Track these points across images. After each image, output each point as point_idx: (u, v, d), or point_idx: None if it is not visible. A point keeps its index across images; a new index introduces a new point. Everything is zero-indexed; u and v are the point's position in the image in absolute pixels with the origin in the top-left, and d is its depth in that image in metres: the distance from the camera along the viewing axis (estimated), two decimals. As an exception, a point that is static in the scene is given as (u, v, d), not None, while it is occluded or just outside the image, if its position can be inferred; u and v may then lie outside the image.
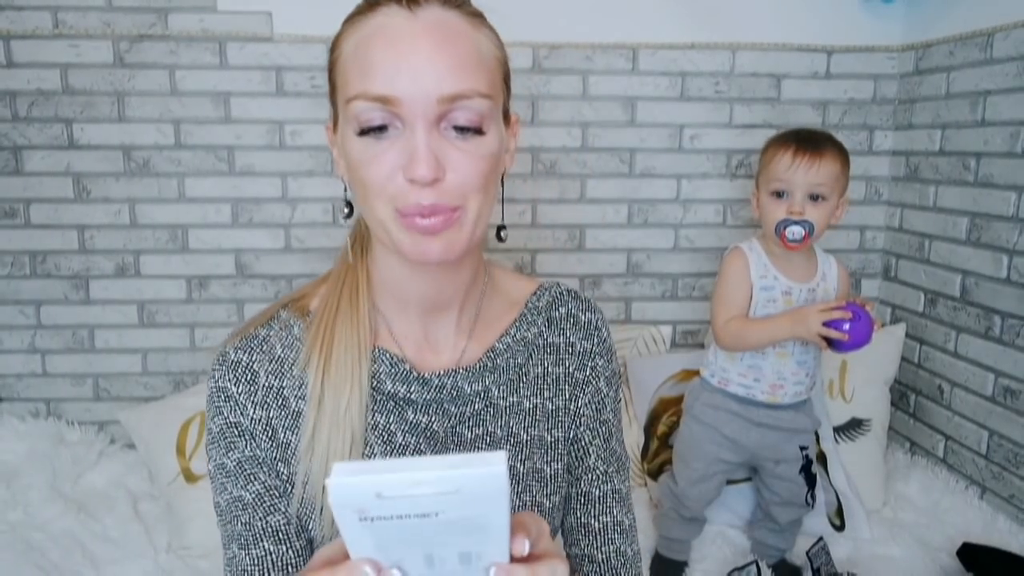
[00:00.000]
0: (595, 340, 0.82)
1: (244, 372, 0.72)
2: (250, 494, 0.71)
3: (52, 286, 1.90)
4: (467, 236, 0.66)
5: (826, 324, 1.36)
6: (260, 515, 0.71)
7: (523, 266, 2.00)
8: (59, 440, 1.85)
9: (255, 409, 0.72)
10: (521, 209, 1.96)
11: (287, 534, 0.71)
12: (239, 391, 0.72)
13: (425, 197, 0.62)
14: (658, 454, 1.78)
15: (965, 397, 1.76)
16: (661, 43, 1.91)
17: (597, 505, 0.80)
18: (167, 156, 1.86)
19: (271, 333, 0.74)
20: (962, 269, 1.77)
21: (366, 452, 0.72)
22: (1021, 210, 1.59)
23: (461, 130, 0.63)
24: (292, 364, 0.72)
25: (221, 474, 0.73)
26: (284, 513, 0.72)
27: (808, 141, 1.42)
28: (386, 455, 0.72)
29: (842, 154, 1.43)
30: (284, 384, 0.72)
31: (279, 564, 0.71)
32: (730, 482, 1.63)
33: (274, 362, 0.73)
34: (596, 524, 0.80)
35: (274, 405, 0.72)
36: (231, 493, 0.72)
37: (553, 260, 2.01)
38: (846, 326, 1.34)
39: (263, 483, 0.72)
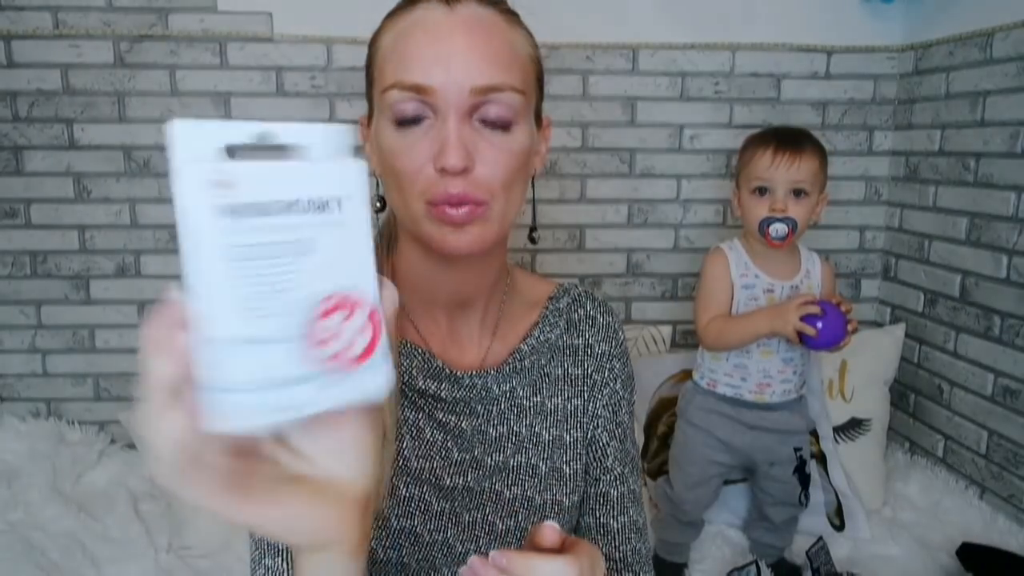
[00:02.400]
0: (613, 343, 0.84)
1: None
2: None
3: (53, 286, 1.90)
4: (495, 231, 0.68)
5: (803, 319, 1.37)
6: None
7: (523, 267, 2.00)
8: (60, 440, 1.85)
9: None
10: (521, 209, 1.96)
11: None
12: None
13: (454, 186, 0.63)
14: (658, 454, 1.79)
15: (965, 397, 1.76)
16: (661, 43, 1.92)
17: (616, 506, 0.81)
18: (167, 156, 1.86)
19: None
20: (962, 269, 1.77)
21: (397, 446, 0.73)
22: (1020, 210, 1.59)
23: (492, 125, 0.64)
24: None
25: None
26: None
27: (787, 138, 1.43)
28: (416, 450, 0.73)
29: (820, 150, 1.45)
30: None
31: None
32: (728, 482, 1.64)
33: None
34: (615, 524, 0.81)
35: None
36: None
37: (553, 260, 2.01)
38: (819, 324, 1.35)
39: None
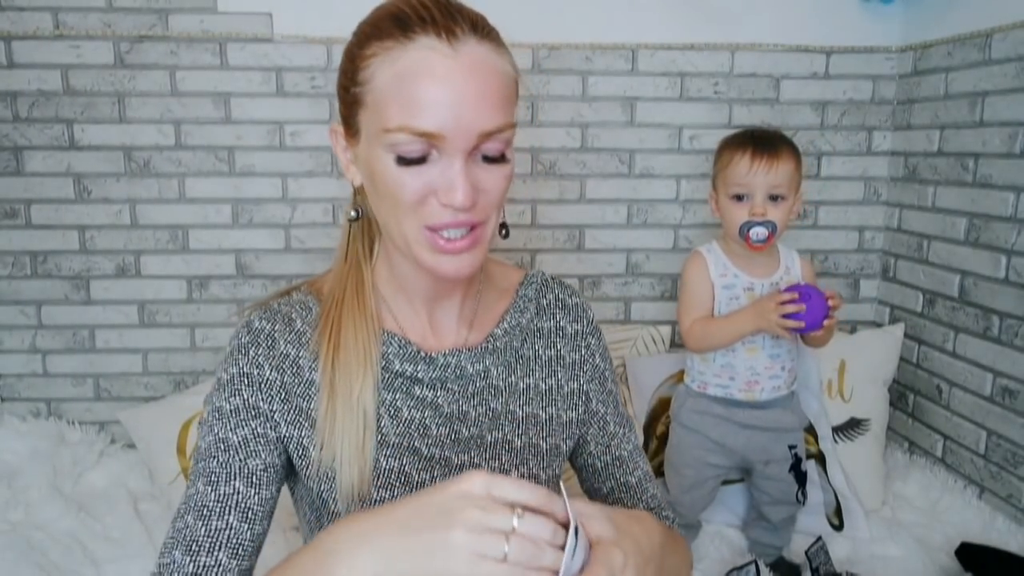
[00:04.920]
0: (584, 321, 0.89)
1: (266, 338, 0.77)
2: (237, 437, 0.75)
3: (53, 286, 1.91)
4: (483, 251, 0.73)
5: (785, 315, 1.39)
6: (241, 457, 0.74)
7: (523, 267, 2.01)
8: (60, 440, 1.85)
9: (271, 371, 0.76)
10: (521, 209, 1.97)
11: (260, 479, 0.75)
12: (258, 352, 0.77)
13: (458, 216, 0.68)
14: (657, 454, 1.79)
15: (963, 397, 1.77)
16: (660, 43, 1.92)
17: (628, 463, 0.89)
18: (167, 156, 1.87)
19: (292, 309, 0.80)
20: (961, 269, 1.77)
21: (376, 426, 0.78)
22: (1019, 210, 1.60)
23: (490, 159, 0.69)
24: (309, 339, 0.78)
25: (214, 416, 0.76)
26: (264, 460, 0.75)
27: (764, 143, 1.43)
28: (395, 428, 0.78)
29: (796, 152, 1.46)
30: (301, 354, 0.78)
31: (242, 506, 0.73)
32: (725, 482, 1.64)
33: (293, 333, 0.78)
34: (632, 479, 0.89)
35: (289, 371, 0.77)
36: (217, 434, 0.75)
37: (553, 260, 2.01)
38: (803, 314, 1.37)
39: (252, 429, 0.75)
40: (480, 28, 0.68)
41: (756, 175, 1.42)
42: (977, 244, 1.72)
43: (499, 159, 0.69)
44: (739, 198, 1.45)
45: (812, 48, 1.96)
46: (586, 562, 0.56)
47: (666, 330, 1.98)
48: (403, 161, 0.67)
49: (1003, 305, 1.64)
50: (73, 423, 1.93)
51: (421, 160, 0.66)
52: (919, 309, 1.93)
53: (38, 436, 1.84)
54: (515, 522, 0.53)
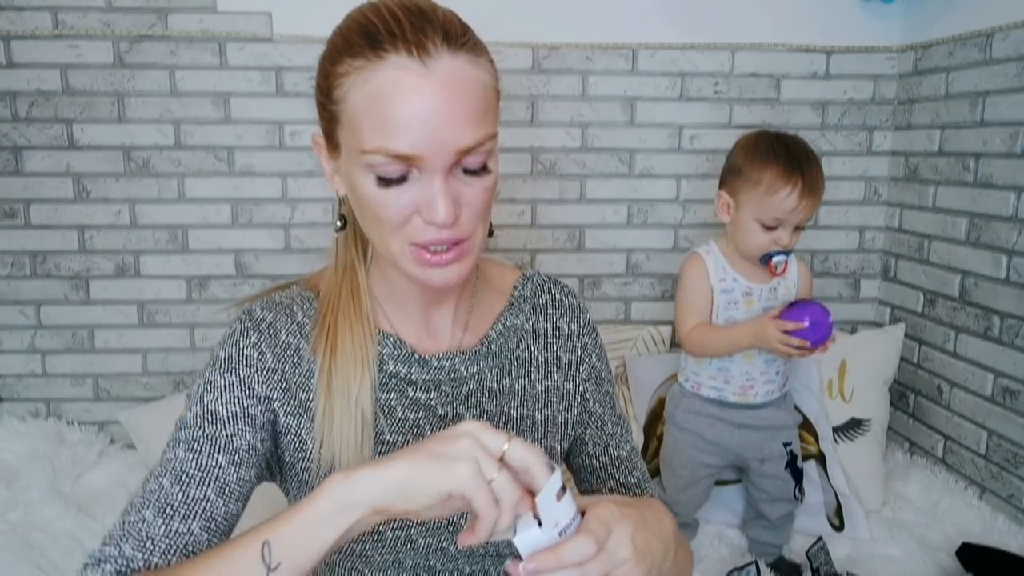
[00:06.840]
0: (580, 322, 0.89)
1: (267, 328, 0.77)
2: (227, 412, 0.72)
3: (52, 286, 1.90)
4: (472, 261, 0.71)
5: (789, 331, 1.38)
6: (227, 433, 0.72)
7: (521, 266, 2.00)
8: (59, 440, 1.85)
9: (272, 359, 0.76)
10: (521, 209, 1.97)
11: (242, 459, 0.72)
12: (260, 339, 0.76)
13: (442, 234, 0.67)
14: (657, 454, 1.78)
15: (964, 397, 1.76)
16: (661, 43, 1.92)
17: (627, 464, 0.88)
18: (167, 156, 1.87)
19: (292, 302, 0.80)
20: (961, 269, 1.77)
21: (374, 425, 0.78)
22: (1020, 210, 1.59)
23: (472, 172, 0.67)
24: (309, 332, 0.77)
25: (205, 389, 0.73)
26: (249, 440, 0.73)
27: (809, 176, 1.37)
28: (390, 427, 0.79)
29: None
30: (302, 345, 0.77)
31: (222, 480, 0.70)
32: (720, 483, 1.64)
33: (295, 324, 0.78)
34: (632, 480, 0.88)
35: (290, 362, 0.77)
36: (206, 406, 0.72)
37: (553, 260, 2.01)
38: (807, 334, 1.36)
39: (244, 408, 0.73)
40: (453, 38, 0.65)
41: (798, 212, 1.38)
42: (978, 244, 1.71)
43: (480, 170, 0.68)
44: (770, 227, 1.41)
45: (812, 48, 1.95)
46: (573, 525, 0.59)
47: (666, 330, 1.98)
48: (383, 182, 0.66)
49: (1004, 305, 1.64)
50: (72, 423, 1.93)
51: (401, 179, 0.65)
52: (920, 309, 1.93)
53: (37, 436, 1.83)
54: (505, 445, 0.58)
